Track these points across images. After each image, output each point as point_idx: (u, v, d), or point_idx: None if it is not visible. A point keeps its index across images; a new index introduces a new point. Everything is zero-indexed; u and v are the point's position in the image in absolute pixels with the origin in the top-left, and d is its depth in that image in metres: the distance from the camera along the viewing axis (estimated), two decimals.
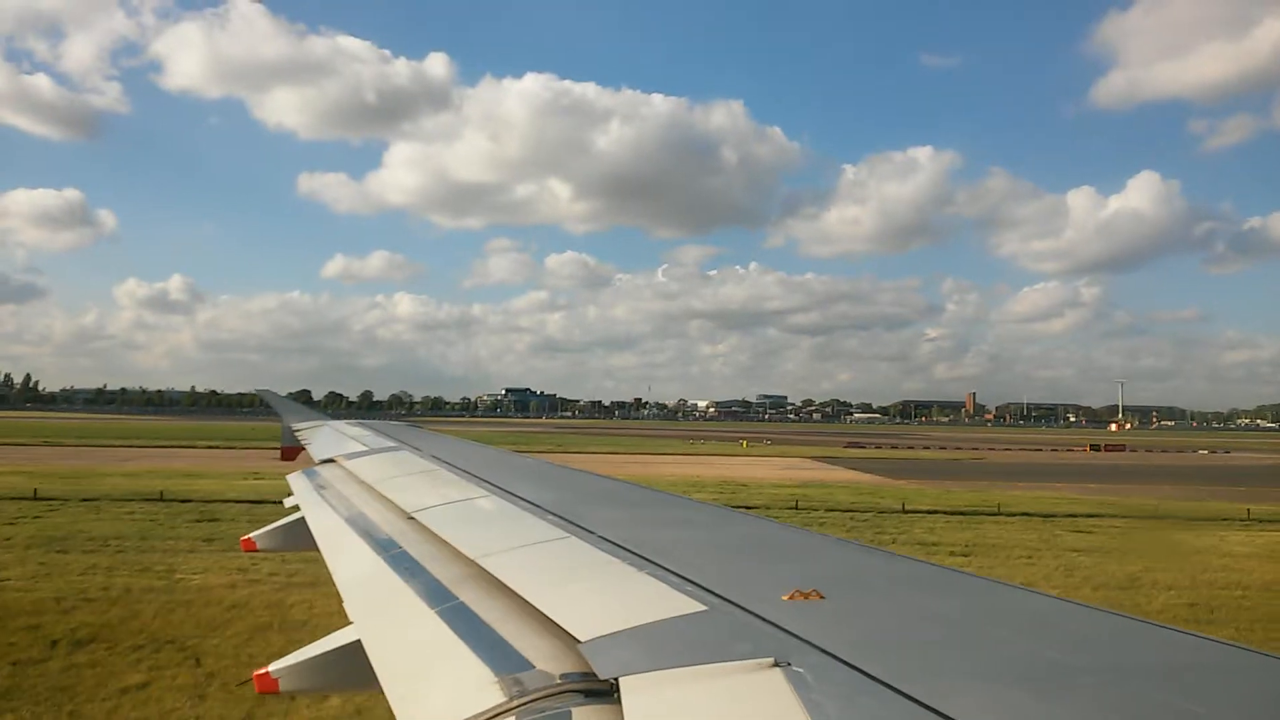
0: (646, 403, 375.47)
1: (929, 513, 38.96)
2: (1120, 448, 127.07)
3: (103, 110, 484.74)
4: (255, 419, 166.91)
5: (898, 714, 1.91)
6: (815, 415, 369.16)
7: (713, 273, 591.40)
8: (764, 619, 2.55)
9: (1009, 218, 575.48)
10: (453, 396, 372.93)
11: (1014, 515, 38.73)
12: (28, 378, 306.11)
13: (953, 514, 38.61)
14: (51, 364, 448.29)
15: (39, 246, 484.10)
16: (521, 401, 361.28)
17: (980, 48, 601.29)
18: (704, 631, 2.53)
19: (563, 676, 2.44)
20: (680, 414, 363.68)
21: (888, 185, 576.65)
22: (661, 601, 2.80)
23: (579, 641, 2.53)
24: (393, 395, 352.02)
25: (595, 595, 3.06)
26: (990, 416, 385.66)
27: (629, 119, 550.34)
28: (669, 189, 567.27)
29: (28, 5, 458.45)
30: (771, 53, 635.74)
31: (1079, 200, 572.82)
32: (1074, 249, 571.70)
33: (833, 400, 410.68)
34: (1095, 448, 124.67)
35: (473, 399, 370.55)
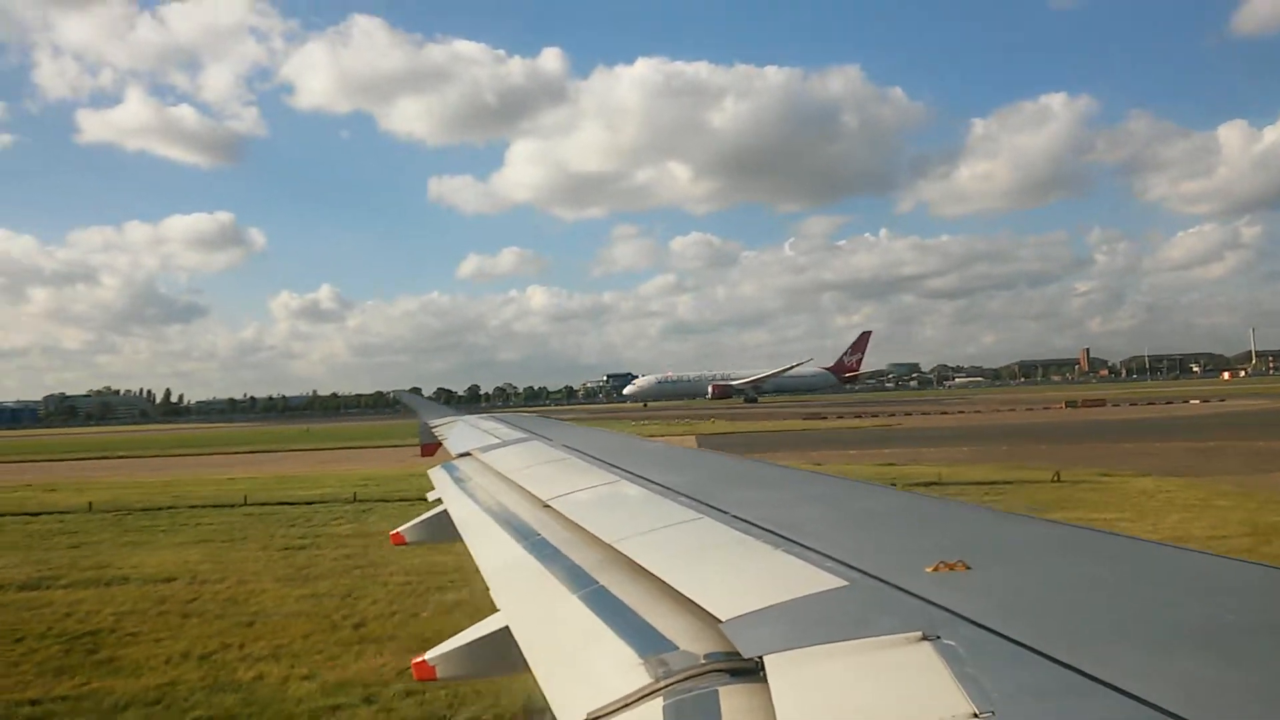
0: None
1: None
2: (1100, 403, 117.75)
3: (243, 134, 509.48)
4: (371, 418, 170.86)
5: (1058, 684, 1.84)
6: (912, 382, 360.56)
7: (842, 243, 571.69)
8: (908, 592, 2.49)
9: (1155, 160, 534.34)
10: (581, 384, 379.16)
11: None
12: (168, 393, 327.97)
13: None
14: (219, 377, 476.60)
15: (198, 268, 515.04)
16: (621, 386, 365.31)
17: None
18: (847, 607, 2.49)
19: (707, 656, 2.44)
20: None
21: (1020, 137, 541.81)
22: (801, 578, 2.78)
23: (720, 621, 2.53)
24: (496, 388, 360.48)
25: (734, 575, 3.06)
26: (1104, 373, 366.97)
27: (743, 94, 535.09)
28: (790, 161, 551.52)
29: (167, 42, 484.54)
30: (885, 12, 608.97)
31: (1231, 135, 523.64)
32: (1229, 187, 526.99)
33: (938, 365, 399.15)
34: (1072, 404, 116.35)
35: (575, 386, 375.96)
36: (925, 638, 2.12)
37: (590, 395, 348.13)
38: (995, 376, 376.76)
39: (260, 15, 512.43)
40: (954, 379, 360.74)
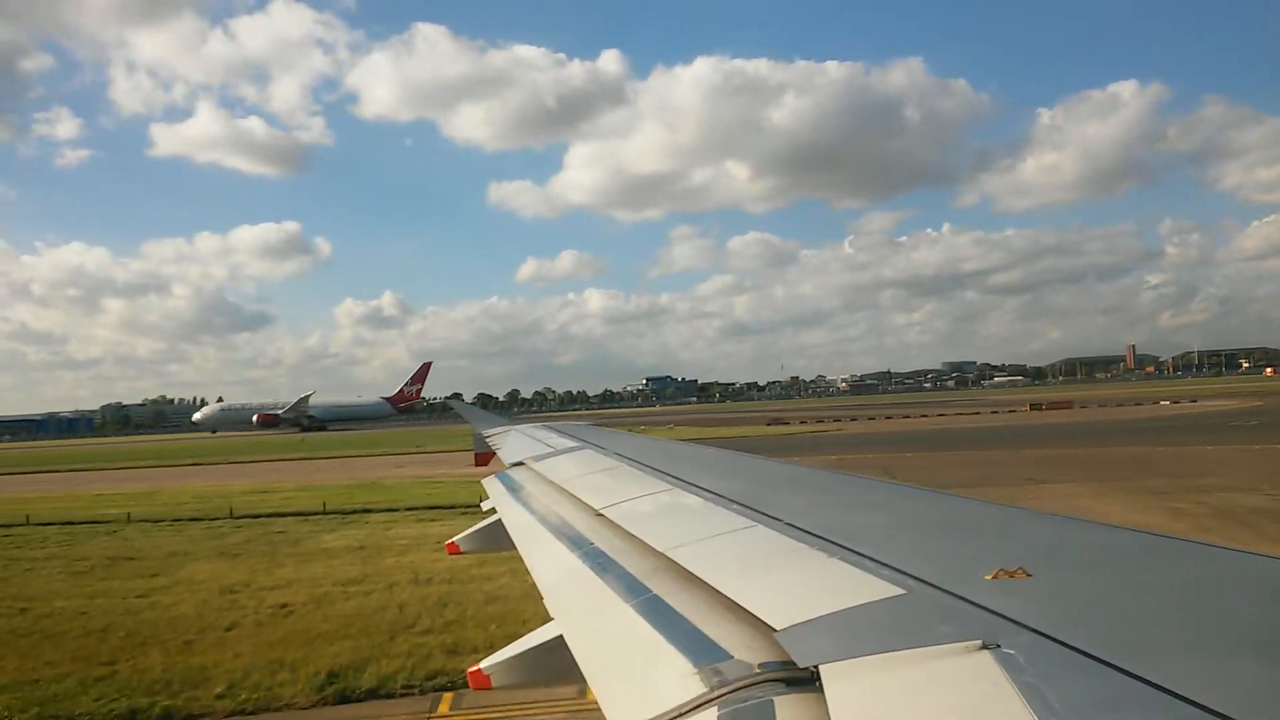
0: (785, 379, 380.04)
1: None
2: (1067, 405, 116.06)
3: (310, 144, 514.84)
4: (409, 425, 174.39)
5: (1123, 693, 1.79)
6: (950, 383, 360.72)
7: (903, 239, 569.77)
8: (967, 600, 2.45)
9: (1229, 147, 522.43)
10: (622, 388, 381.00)
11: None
12: (220, 400, 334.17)
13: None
14: (284, 385, 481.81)
15: (265, 277, 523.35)
16: (660, 389, 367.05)
17: None
18: (904, 615, 2.45)
19: (761, 666, 2.42)
20: (809, 390, 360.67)
21: (1088, 127, 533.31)
22: (857, 586, 2.74)
23: (775, 630, 2.51)
24: (536, 392, 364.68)
25: (788, 583, 3.03)
26: (1150, 370, 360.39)
27: (803, 91, 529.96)
28: (850, 157, 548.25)
29: (236, 54, 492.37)
30: (948, 2, 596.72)
31: None
32: None
33: (983, 364, 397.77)
34: (1036, 407, 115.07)
35: (616, 390, 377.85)
36: (985, 646, 2.08)
37: (631, 399, 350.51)
38: (1038, 375, 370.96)
39: (326, 27, 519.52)
40: (993, 378, 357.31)
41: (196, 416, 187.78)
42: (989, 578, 2.61)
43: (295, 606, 22.19)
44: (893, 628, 2.36)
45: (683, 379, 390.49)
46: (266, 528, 36.69)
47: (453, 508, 38.80)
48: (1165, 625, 2.23)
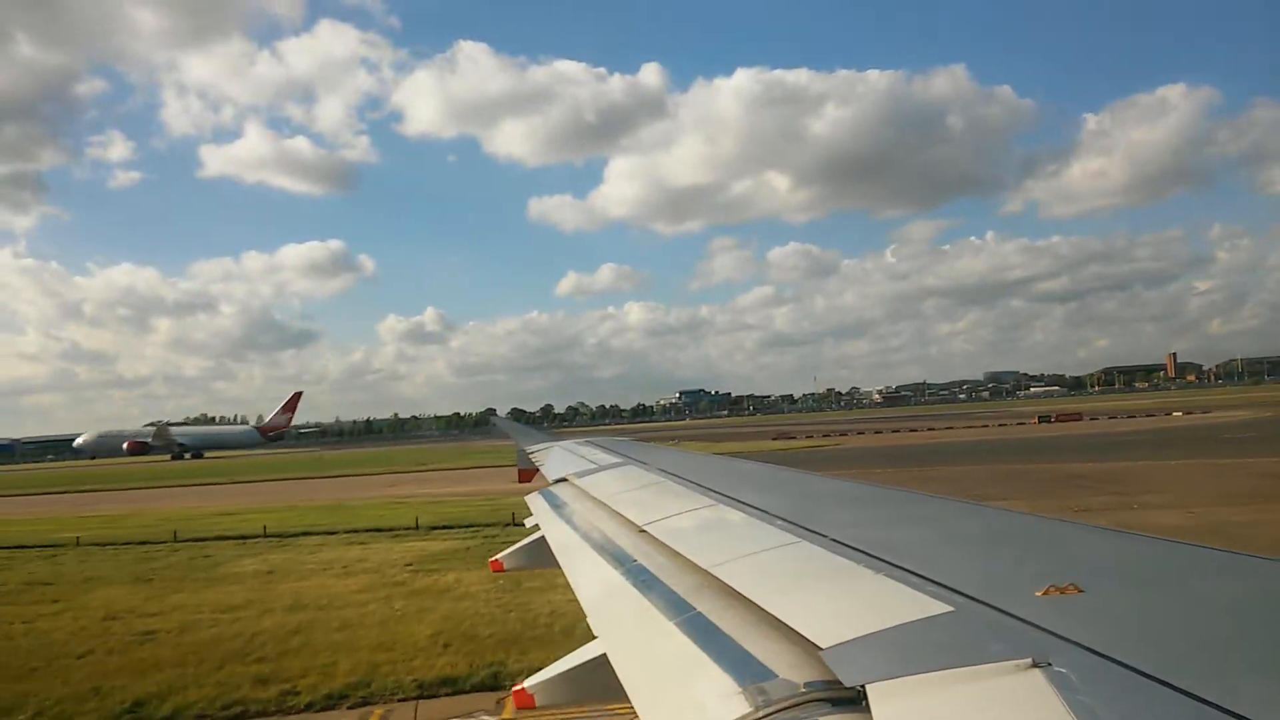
0: (819, 391, 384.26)
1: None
2: (1076, 417, 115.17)
3: (355, 163, 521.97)
4: (437, 441, 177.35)
5: (1180, 714, 1.74)
6: (985, 394, 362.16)
7: (946, 247, 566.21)
8: (1017, 617, 2.40)
9: None
10: (655, 402, 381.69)
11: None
12: (260, 418, 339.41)
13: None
14: (328, 400, 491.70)
15: (310, 294, 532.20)
16: (693, 402, 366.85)
17: None
18: (953, 633, 2.41)
19: (807, 685, 2.39)
20: (841, 402, 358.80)
21: (1136, 131, 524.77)
22: (904, 603, 2.70)
23: (820, 649, 2.47)
24: (569, 407, 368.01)
25: (833, 600, 3.00)
26: (1192, 378, 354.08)
27: (844, 100, 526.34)
28: (892, 166, 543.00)
29: (284, 75, 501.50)
30: (990, 9, 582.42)
31: None
32: None
33: (1021, 374, 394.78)
34: (1045, 419, 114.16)
35: (650, 404, 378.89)
36: (1036, 665, 2.03)
37: (664, 413, 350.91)
38: (1076, 385, 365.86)
39: (371, 46, 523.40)
40: (1030, 388, 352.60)
41: (77, 442, 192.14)
42: (1040, 594, 2.56)
43: (159, 634, 22.35)
44: (941, 646, 2.31)
45: (716, 392, 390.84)
46: (198, 552, 37.10)
47: (391, 530, 39.60)
48: (1224, 643, 2.16)
